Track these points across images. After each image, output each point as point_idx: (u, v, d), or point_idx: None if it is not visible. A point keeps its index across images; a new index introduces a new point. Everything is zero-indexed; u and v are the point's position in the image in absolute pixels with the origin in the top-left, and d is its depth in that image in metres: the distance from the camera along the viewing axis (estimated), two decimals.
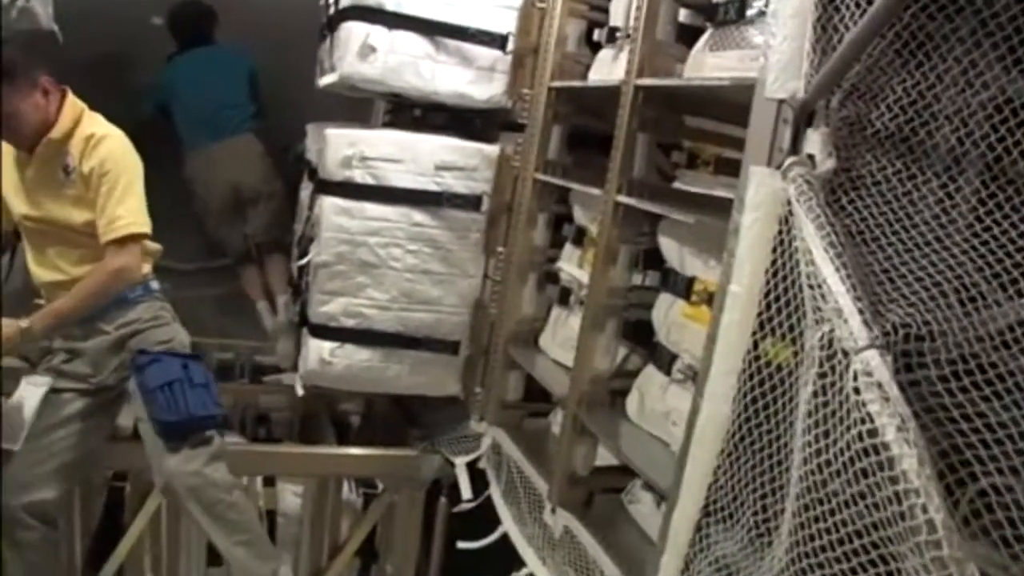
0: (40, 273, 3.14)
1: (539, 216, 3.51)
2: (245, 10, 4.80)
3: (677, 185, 3.26)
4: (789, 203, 1.91)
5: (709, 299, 2.63)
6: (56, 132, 3.01)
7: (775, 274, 1.95)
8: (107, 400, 3.18)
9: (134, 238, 3.02)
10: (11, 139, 3.01)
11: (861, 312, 1.59)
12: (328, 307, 3.51)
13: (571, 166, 3.47)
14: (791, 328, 1.91)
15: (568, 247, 3.39)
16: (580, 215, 3.33)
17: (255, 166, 4.68)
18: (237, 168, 4.64)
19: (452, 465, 3.66)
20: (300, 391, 3.64)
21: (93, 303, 3.05)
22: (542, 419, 3.66)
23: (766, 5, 2.46)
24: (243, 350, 4.62)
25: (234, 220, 4.70)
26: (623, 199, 2.80)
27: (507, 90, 3.56)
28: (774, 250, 1.96)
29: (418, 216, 3.48)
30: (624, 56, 3.13)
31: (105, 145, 3.02)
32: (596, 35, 3.36)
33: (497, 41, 3.49)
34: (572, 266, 3.32)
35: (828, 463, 1.63)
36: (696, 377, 2.65)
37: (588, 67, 3.40)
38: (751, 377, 2.00)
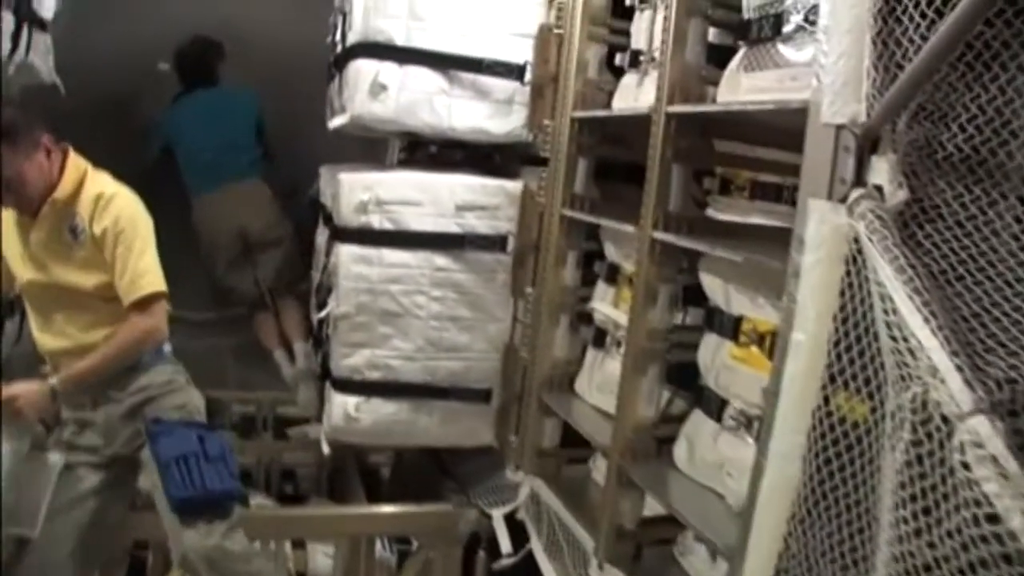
0: (46, 341, 2.94)
1: (568, 254, 3.27)
2: (254, 48, 4.61)
3: (710, 212, 3.04)
4: (856, 241, 1.69)
5: (760, 340, 2.40)
6: (60, 193, 2.84)
7: (844, 321, 1.72)
8: (123, 471, 2.97)
9: (159, 296, 2.86)
10: (14, 203, 2.83)
11: (960, 370, 1.35)
12: (351, 360, 3.30)
13: (599, 200, 3.25)
14: (866, 382, 1.68)
15: (601, 285, 3.16)
16: (612, 251, 3.10)
17: (262, 211, 4.48)
18: (243, 214, 4.44)
19: (489, 518, 3.42)
20: (326, 449, 3.43)
21: (120, 364, 2.87)
22: (581, 465, 3.42)
23: (806, 20, 2.25)
24: (265, 402, 4.39)
25: (243, 267, 4.50)
26: (660, 235, 2.57)
27: (527, 122, 3.35)
28: (842, 294, 1.73)
29: (441, 260, 3.26)
30: (650, 81, 2.92)
31: (116, 204, 2.86)
32: (618, 60, 3.15)
33: (514, 72, 3.28)
34: (606, 306, 3.09)
35: (932, 545, 1.40)
36: (751, 424, 2.43)
37: (611, 94, 3.19)
38: (823, 436, 1.77)
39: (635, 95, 3.03)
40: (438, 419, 3.41)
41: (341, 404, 3.32)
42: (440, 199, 3.24)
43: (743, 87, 2.43)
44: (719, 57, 2.64)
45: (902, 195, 1.64)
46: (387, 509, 3.47)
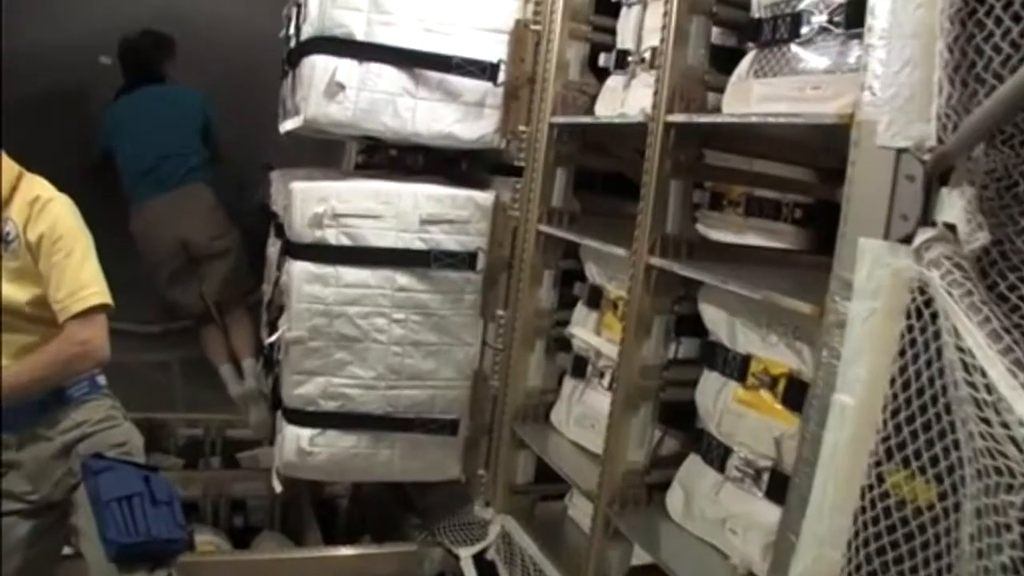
0: None
1: (544, 273, 2.91)
2: (203, 40, 4.14)
3: (700, 229, 2.72)
4: (923, 291, 1.36)
5: (772, 383, 2.07)
6: None
7: (906, 386, 1.39)
8: (54, 519, 2.56)
9: (101, 309, 2.48)
10: None
11: None
12: (304, 389, 2.89)
13: (579, 213, 2.89)
14: (934, 461, 1.36)
15: (581, 309, 2.80)
16: (594, 272, 2.74)
17: (206, 221, 4.04)
18: (185, 224, 4.00)
19: (456, 558, 3.04)
20: (278, 487, 3.02)
21: (48, 380, 2.45)
22: (557, 501, 3.08)
23: (830, 21, 1.93)
24: (213, 425, 3.96)
25: (187, 280, 4.06)
26: (657, 262, 2.23)
27: (500, 128, 2.95)
28: (902, 353, 1.40)
29: (403, 279, 2.87)
30: (638, 84, 2.59)
31: (54, 209, 2.50)
32: (602, 60, 2.79)
33: (486, 71, 2.88)
34: (587, 332, 2.74)
35: None
36: (759, 476, 2.11)
37: (594, 98, 2.83)
38: (875, 520, 1.44)
39: (621, 99, 2.68)
40: (400, 452, 3.01)
41: (294, 437, 2.92)
42: (403, 212, 2.84)
43: (754, 95, 2.09)
44: (721, 60, 2.33)
45: (982, 238, 1.31)
46: (345, 551, 3.06)
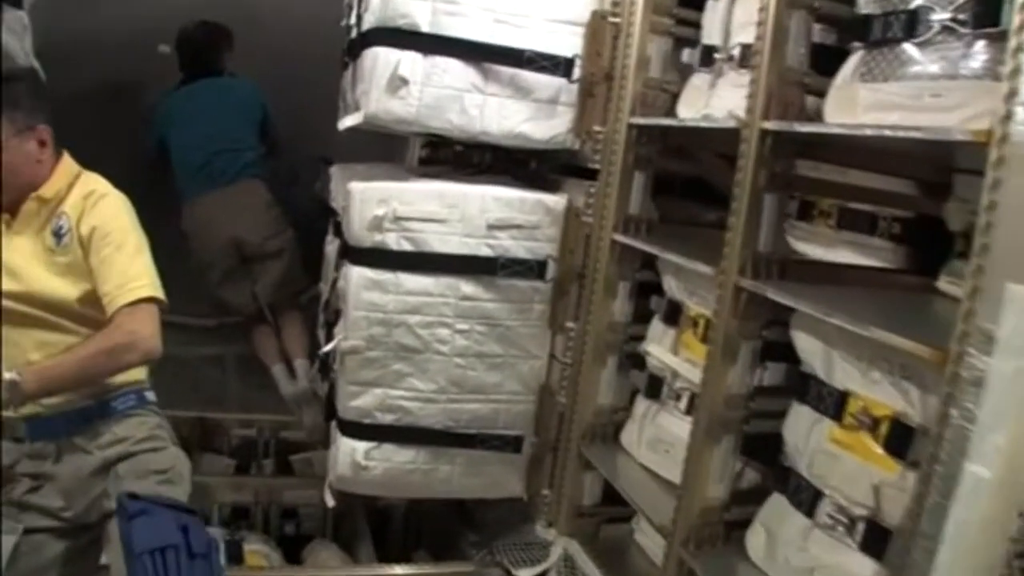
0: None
1: (619, 285, 2.69)
2: (261, 26, 4.00)
3: (790, 240, 2.50)
4: None
5: (873, 425, 1.85)
6: (48, 190, 2.39)
7: None
8: (86, 543, 2.41)
9: (152, 302, 2.33)
10: None
11: None
12: (360, 401, 2.74)
13: (657, 221, 2.69)
14: None
15: (658, 325, 2.59)
16: (673, 286, 2.53)
17: (258, 218, 3.88)
18: (238, 222, 3.85)
19: None
20: (331, 501, 2.88)
21: (96, 372, 2.32)
22: (623, 524, 2.89)
23: (954, 18, 1.69)
24: (267, 426, 3.82)
25: (239, 280, 3.92)
26: (747, 284, 2.02)
27: (573, 127, 2.74)
28: None
29: (468, 288, 2.69)
30: (725, 83, 2.37)
31: (108, 202, 2.42)
32: (686, 56, 2.58)
33: (560, 67, 2.67)
34: (664, 351, 2.53)
35: None
36: (854, 526, 1.90)
37: (676, 97, 2.62)
38: None
39: (706, 99, 2.46)
40: (460, 468, 2.84)
41: (348, 450, 2.77)
42: (469, 215, 2.66)
43: (861, 101, 1.86)
44: (820, 61, 2.10)
45: None
46: (399, 570, 2.91)
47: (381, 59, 2.60)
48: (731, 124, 2.11)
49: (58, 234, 2.36)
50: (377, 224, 2.62)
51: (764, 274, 2.04)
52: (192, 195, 3.84)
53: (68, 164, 2.48)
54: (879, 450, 1.82)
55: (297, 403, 3.72)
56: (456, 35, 2.62)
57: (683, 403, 2.46)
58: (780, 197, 2.06)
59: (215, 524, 3.28)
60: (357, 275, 2.66)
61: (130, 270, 2.33)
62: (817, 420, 1.96)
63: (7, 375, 2.17)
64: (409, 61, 2.59)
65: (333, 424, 2.87)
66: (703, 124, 2.27)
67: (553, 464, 2.91)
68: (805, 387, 2.02)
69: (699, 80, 2.52)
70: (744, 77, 2.25)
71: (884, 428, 1.82)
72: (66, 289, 2.35)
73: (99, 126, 3.70)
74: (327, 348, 2.81)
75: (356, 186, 2.65)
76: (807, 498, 1.97)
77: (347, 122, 2.73)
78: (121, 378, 2.42)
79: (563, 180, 2.90)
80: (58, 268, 2.36)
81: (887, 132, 1.66)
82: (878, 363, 1.84)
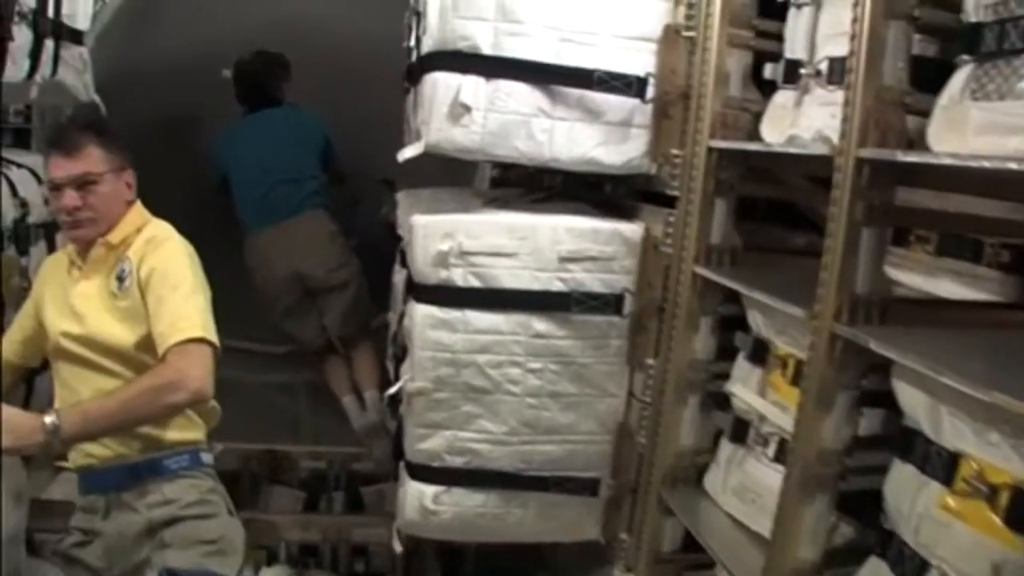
0: None
1: (701, 320, 2.49)
2: (323, 46, 3.91)
3: (888, 272, 2.29)
4: None
5: (991, 494, 1.65)
6: (115, 236, 2.36)
7: None
8: None
9: (202, 343, 2.21)
10: (78, 229, 2.35)
11: None
12: (428, 444, 2.61)
13: (740, 249, 2.51)
14: None
15: (743, 364, 2.37)
16: (759, 322, 2.34)
17: (322, 251, 3.77)
18: (299, 255, 3.73)
19: None
20: (398, 547, 2.77)
21: (141, 412, 2.20)
22: (705, 572, 2.72)
23: None
24: (337, 458, 3.73)
25: (304, 313, 3.82)
26: (844, 331, 1.82)
27: (649, 150, 2.56)
28: None
29: (540, 325, 2.54)
30: (812, 101, 2.17)
31: (169, 246, 2.38)
32: (768, 72, 2.38)
33: (632, 86, 2.49)
34: (750, 393, 2.34)
35: None
36: None
37: (758, 116, 2.43)
38: None
39: (792, 119, 2.26)
40: (534, 512, 2.69)
41: (416, 494, 2.64)
42: (540, 248, 2.50)
43: (972, 123, 1.65)
44: (920, 76, 1.90)
45: None
46: None
47: (441, 85, 2.46)
48: (822, 151, 1.93)
49: (121, 278, 2.31)
50: (442, 260, 2.49)
51: (863, 318, 1.84)
52: (254, 228, 3.76)
53: (137, 211, 2.45)
54: (999, 522, 1.62)
55: (367, 436, 3.63)
56: (520, 57, 2.46)
57: (771, 449, 2.26)
58: (880, 232, 1.87)
59: (282, 562, 3.21)
60: (423, 313, 2.53)
61: (182, 310, 2.24)
62: (923, 483, 1.75)
63: (47, 418, 2.09)
64: (471, 86, 2.45)
65: (401, 465, 2.76)
66: (790, 150, 2.08)
67: (632, 508, 2.73)
68: (909, 444, 1.80)
69: (783, 98, 2.32)
70: (834, 94, 2.05)
71: (1004, 498, 1.61)
72: (124, 334, 2.29)
73: (164, 154, 3.68)
74: (392, 390, 2.70)
75: (419, 220, 2.52)
76: (911, 569, 1.76)
77: (407, 153, 2.59)
78: (176, 435, 2.33)
79: (640, 206, 2.72)
80: (119, 313, 2.30)
81: (1012, 165, 1.45)
82: (997, 424, 1.63)
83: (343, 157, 3.96)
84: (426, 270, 2.51)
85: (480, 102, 2.46)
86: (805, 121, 2.21)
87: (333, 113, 3.94)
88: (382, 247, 3.36)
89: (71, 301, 2.35)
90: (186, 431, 2.36)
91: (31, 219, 2.83)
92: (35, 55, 2.65)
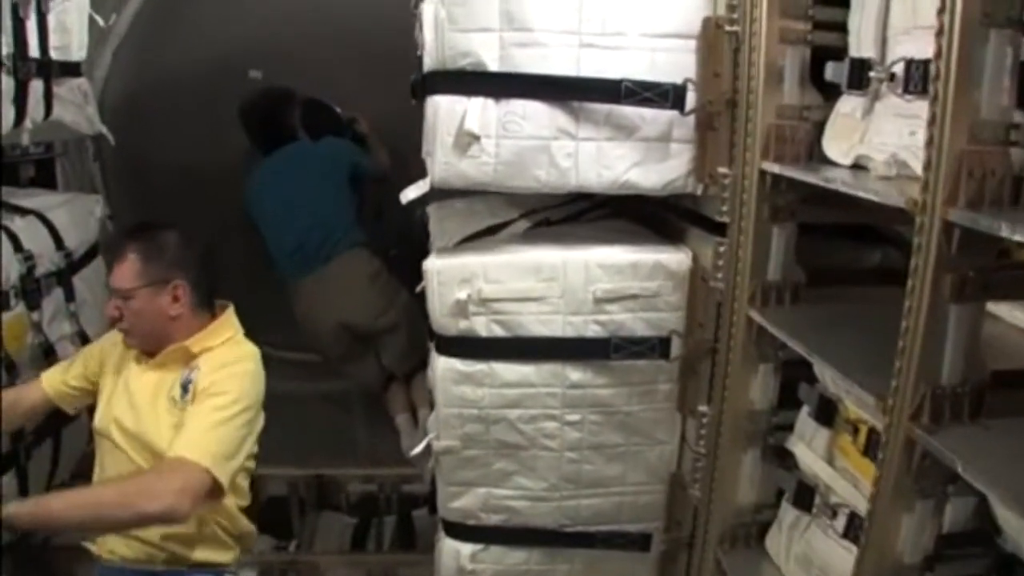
0: None
1: (760, 367, 2.05)
2: (349, 49, 3.47)
3: None
4: None
5: None
6: (195, 344, 2.11)
7: None
8: None
9: (201, 474, 1.88)
10: (124, 337, 2.15)
11: None
12: (462, 502, 2.26)
13: (804, 284, 2.03)
14: None
15: (808, 421, 1.92)
16: (827, 377, 1.89)
17: (364, 296, 3.31)
18: (340, 305, 3.29)
19: None
20: None
21: (109, 514, 1.88)
22: None
23: None
24: (388, 480, 3.42)
25: (359, 357, 3.42)
26: (925, 440, 1.37)
27: (692, 168, 2.09)
28: None
29: (576, 374, 2.14)
30: (885, 109, 1.70)
31: (236, 369, 2.08)
32: (829, 73, 1.87)
33: (668, 96, 2.01)
34: (815, 457, 1.89)
35: None
36: None
37: (819, 125, 1.94)
38: None
39: (860, 132, 1.78)
40: (580, 568, 2.33)
41: (453, 552, 2.31)
42: (572, 288, 2.08)
43: None
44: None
45: None
46: None
47: (443, 111, 2.03)
48: (897, 203, 1.45)
49: (185, 387, 2.04)
50: (461, 309, 2.10)
51: (949, 415, 1.40)
52: (292, 279, 3.33)
53: (225, 323, 2.19)
54: None
55: (416, 456, 3.28)
56: (533, 71, 2.01)
57: (840, 523, 1.82)
58: (974, 309, 1.40)
59: None
60: (444, 367, 2.16)
61: (205, 434, 1.94)
62: None
63: (10, 507, 1.80)
64: (477, 110, 2.01)
65: (436, 519, 2.43)
66: (858, 193, 1.58)
67: (688, 565, 2.34)
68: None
69: (849, 105, 1.82)
70: (912, 104, 1.59)
71: None
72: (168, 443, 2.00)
73: (193, 158, 3.45)
74: (418, 448, 2.34)
75: (432, 264, 2.13)
76: None
77: (410, 193, 2.16)
78: (204, 555, 2.07)
79: (687, 227, 2.26)
80: (173, 420, 2.02)
81: None
82: None
83: (389, 163, 3.53)
84: (444, 320, 2.13)
85: (490, 128, 2.03)
86: (876, 137, 1.75)
87: (362, 110, 3.53)
88: (423, 253, 2.95)
89: (131, 387, 2.12)
90: (216, 552, 2.10)
91: (40, 270, 2.52)
92: (20, 100, 2.31)
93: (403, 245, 3.20)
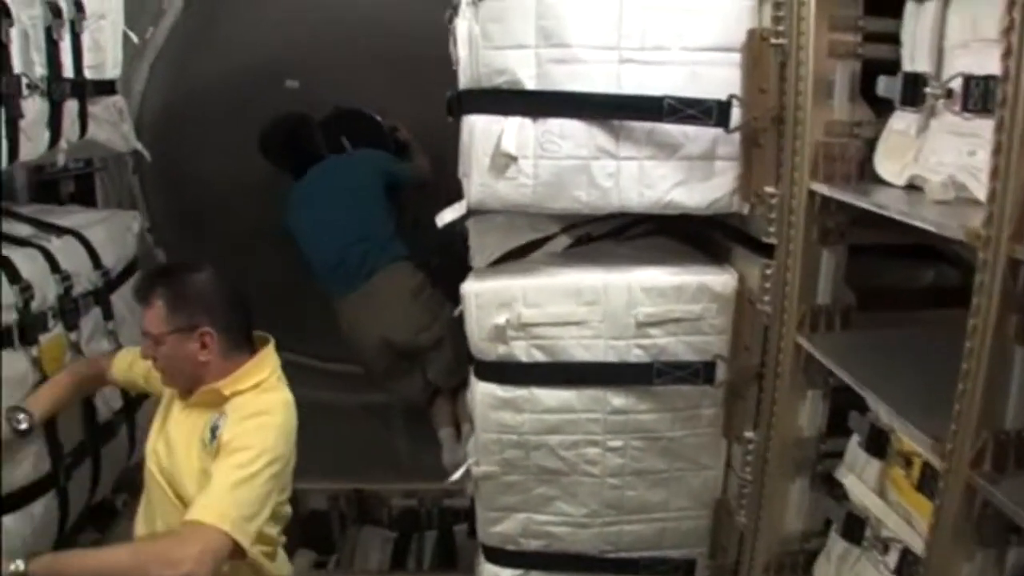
0: (137, 531, 2.10)
1: (808, 393, 1.98)
2: (389, 52, 3.41)
3: None
4: None
5: None
6: (227, 387, 2.03)
7: None
8: None
9: (219, 538, 1.81)
10: (163, 377, 2.11)
11: None
12: (501, 527, 2.22)
13: (855, 307, 1.94)
14: None
15: (858, 452, 1.83)
16: (882, 410, 1.82)
17: (406, 312, 3.22)
18: (382, 322, 3.22)
19: None
20: None
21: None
22: None
23: None
24: (429, 495, 3.36)
25: (404, 373, 3.33)
26: (986, 488, 1.30)
27: (738, 187, 2.02)
28: None
29: (618, 400, 2.08)
30: (941, 127, 1.62)
31: (263, 421, 1.98)
32: (881, 87, 1.79)
33: (711, 112, 1.94)
34: (865, 489, 1.81)
35: None
36: None
37: (870, 142, 1.85)
38: None
39: (914, 152, 1.71)
40: None
41: None
42: (613, 312, 2.03)
43: None
44: None
45: None
46: None
47: (479, 131, 1.99)
48: (958, 235, 1.37)
49: (213, 432, 1.98)
50: (500, 334, 2.05)
51: (1013, 463, 1.32)
52: (335, 296, 3.28)
53: (260, 364, 2.09)
54: None
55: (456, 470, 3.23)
56: (572, 88, 1.95)
57: (892, 559, 1.74)
58: None
59: None
60: (483, 392, 2.11)
61: (226, 495, 1.87)
62: None
63: (13, 564, 1.76)
64: (514, 130, 1.96)
65: (478, 543, 2.38)
66: (915, 223, 1.50)
67: None
68: None
69: (903, 122, 1.75)
70: (971, 123, 1.51)
71: None
72: (199, 490, 1.94)
73: (232, 165, 3.41)
74: (457, 475, 2.29)
75: (470, 288, 2.08)
76: None
77: (446, 216, 2.11)
78: None
79: (732, 246, 2.18)
80: (203, 464, 1.98)
81: None
82: None
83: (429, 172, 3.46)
84: (483, 345, 2.09)
85: (528, 148, 1.98)
86: (932, 156, 1.67)
87: (401, 118, 3.47)
88: (465, 264, 2.88)
89: (168, 421, 2.10)
90: None
91: (77, 290, 2.50)
92: (54, 122, 2.29)
93: (445, 255, 3.13)
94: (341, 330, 3.30)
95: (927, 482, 1.59)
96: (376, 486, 3.31)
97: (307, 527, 3.13)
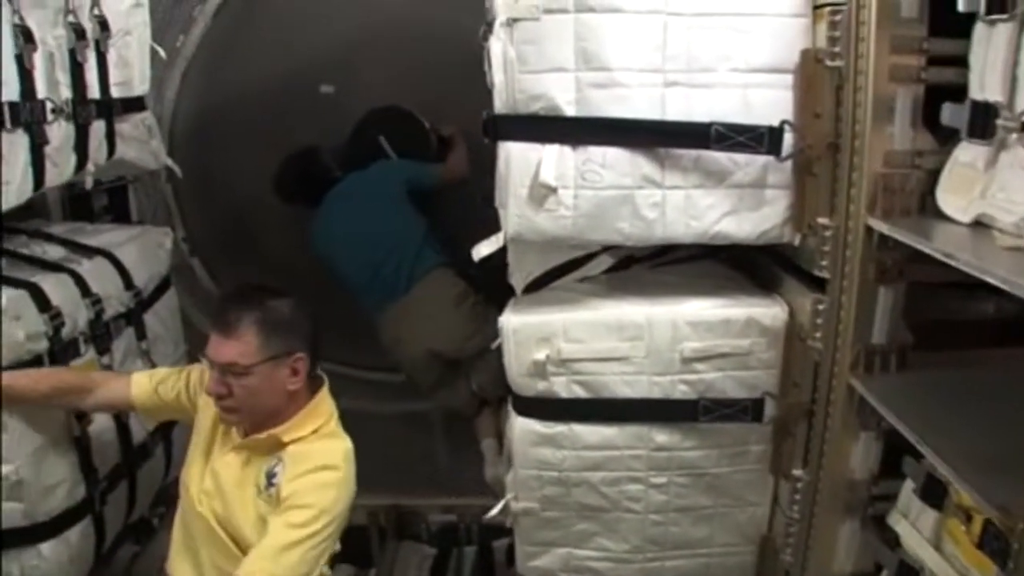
0: (181, 571, 2.04)
1: (861, 436, 1.89)
2: (431, 52, 3.32)
3: None
4: None
5: None
6: (287, 434, 1.95)
7: None
8: None
9: None
10: (223, 414, 1.97)
11: None
12: (541, 561, 2.16)
13: (911, 347, 1.84)
14: None
15: (912, 500, 1.74)
16: (942, 468, 1.71)
17: (450, 321, 3.12)
18: (426, 333, 3.12)
19: None
20: None
21: None
22: None
23: None
24: (468, 511, 3.27)
25: (449, 383, 3.24)
26: None
27: (789, 216, 1.92)
28: None
29: (662, 437, 2.01)
30: (1012, 160, 1.52)
31: (323, 478, 1.91)
32: (946, 116, 1.69)
33: (762, 139, 1.84)
34: (920, 539, 1.72)
35: None
36: None
37: (932, 174, 1.74)
38: None
39: (982, 187, 1.60)
40: None
41: None
42: (657, 348, 1.94)
43: None
44: None
45: None
46: None
47: (516, 159, 1.90)
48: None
49: (270, 479, 1.93)
50: (540, 370, 1.98)
51: None
52: (375, 311, 3.20)
53: (319, 406, 2.03)
54: None
55: (499, 485, 3.15)
56: (614, 114, 1.86)
57: None
58: None
59: None
60: (522, 428, 2.05)
61: (283, 556, 1.82)
62: None
63: None
64: (553, 159, 1.87)
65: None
66: (987, 279, 1.39)
67: None
68: None
69: (969, 154, 1.63)
70: None
71: None
72: (252, 537, 1.92)
73: (265, 173, 3.29)
74: (494, 512, 2.22)
75: (508, 322, 2.00)
76: None
77: (483, 250, 2.03)
78: None
79: (781, 275, 2.09)
80: (259, 509, 1.93)
81: None
82: None
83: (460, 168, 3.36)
84: (522, 381, 2.02)
85: (567, 178, 1.89)
86: (1001, 193, 1.57)
87: (437, 118, 3.39)
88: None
89: (215, 463, 2.01)
90: None
91: (109, 312, 2.46)
92: (81, 145, 2.24)
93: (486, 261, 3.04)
94: (383, 345, 3.22)
95: (989, 540, 1.50)
96: (415, 502, 3.25)
97: (346, 541, 3.09)
